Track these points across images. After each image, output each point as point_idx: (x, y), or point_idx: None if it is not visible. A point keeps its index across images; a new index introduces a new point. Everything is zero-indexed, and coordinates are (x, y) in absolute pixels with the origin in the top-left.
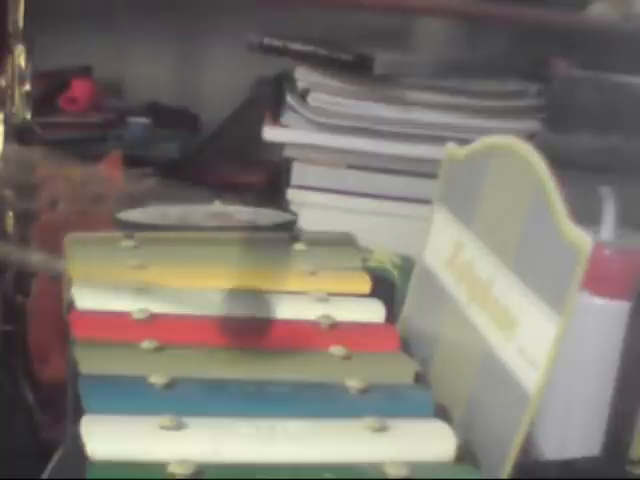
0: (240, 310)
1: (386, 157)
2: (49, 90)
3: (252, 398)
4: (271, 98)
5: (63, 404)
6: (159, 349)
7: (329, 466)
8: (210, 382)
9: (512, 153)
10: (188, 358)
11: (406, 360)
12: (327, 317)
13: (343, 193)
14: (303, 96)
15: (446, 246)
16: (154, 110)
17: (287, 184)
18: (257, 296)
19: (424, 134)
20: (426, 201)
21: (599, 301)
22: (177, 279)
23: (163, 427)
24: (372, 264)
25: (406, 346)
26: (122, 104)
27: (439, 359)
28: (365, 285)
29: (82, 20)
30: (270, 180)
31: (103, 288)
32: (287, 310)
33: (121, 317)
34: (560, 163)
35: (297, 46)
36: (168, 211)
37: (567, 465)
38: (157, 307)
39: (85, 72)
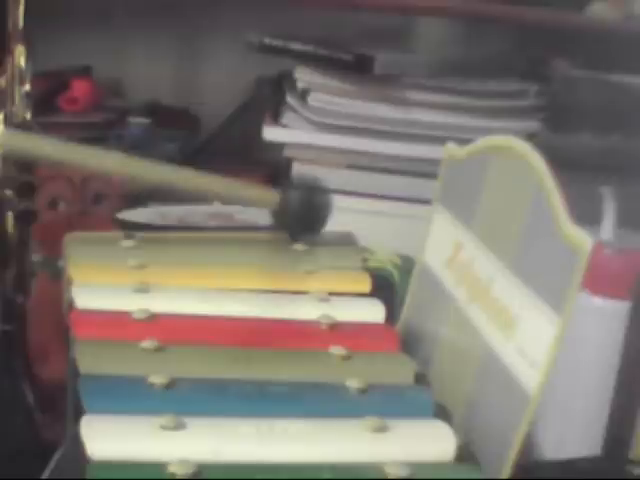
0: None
1: (386, 157)
2: (49, 90)
3: (252, 398)
4: (271, 98)
5: (63, 404)
6: (159, 349)
7: (329, 466)
8: (210, 382)
9: (512, 153)
10: (188, 358)
11: (406, 360)
12: (327, 317)
13: (343, 193)
14: (303, 96)
15: (446, 246)
16: (154, 110)
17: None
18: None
19: (424, 134)
20: (426, 201)
21: (599, 301)
22: (177, 279)
23: (163, 427)
24: (372, 264)
25: (406, 346)
26: (122, 104)
27: (439, 359)
28: (365, 285)
29: (82, 20)
30: (270, 180)
31: (103, 288)
32: (287, 310)
33: (121, 317)
34: (560, 163)
35: (297, 46)
36: (168, 211)
37: (567, 465)
38: (157, 307)
39: (85, 72)
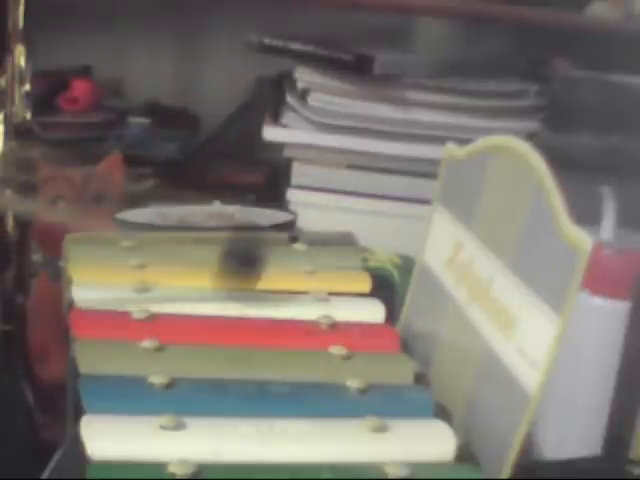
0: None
1: (386, 157)
2: (49, 90)
3: (252, 398)
4: (271, 98)
5: (63, 404)
6: (159, 349)
7: (329, 466)
8: (210, 382)
9: (512, 153)
10: (188, 358)
11: (406, 360)
12: (327, 317)
13: (343, 193)
14: (303, 96)
15: (446, 246)
16: (154, 110)
17: (287, 184)
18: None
19: (424, 134)
20: (426, 201)
21: (599, 301)
22: (177, 279)
23: (163, 427)
24: (372, 264)
25: (406, 346)
26: (122, 104)
27: (439, 359)
28: (365, 285)
29: (82, 20)
30: (270, 180)
31: (103, 288)
32: (287, 310)
33: (121, 317)
34: (560, 163)
35: (297, 46)
36: (168, 211)
37: (567, 465)
38: (157, 307)
39: (85, 72)
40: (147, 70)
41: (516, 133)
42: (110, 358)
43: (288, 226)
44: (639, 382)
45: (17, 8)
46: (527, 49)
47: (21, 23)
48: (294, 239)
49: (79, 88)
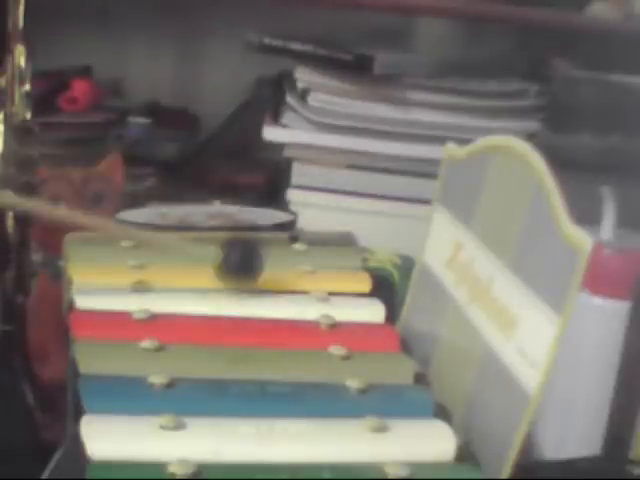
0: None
1: (386, 157)
2: (49, 90)
3: (252, 398)
4: (271, 98)
5: (63, 404)
6: (159, 349)
7: (329, 466)
8: (210, 382)
9: (512, 153)
10: (188, 358)
11: (406, 360)
12: (327, 317)
13: (343, 193)
14: (303, 96)
15: (446, 246)
16: (154, 110)
17: (287, 184)
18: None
19: (424, 134)
20: (426, 201)
21: (599, 301)
22: (177, 279)
23: (163, 427)
24: (372, 264)
25: (406, 346)
26: (122, 104)
27: (439, 359)
28: (365, 285)
29: (82, 20)
30: (270, 180)
31: (103, 288)
32: (287, 310)
33: (121, 317)
34: (560, 163)
35: (297, 46)
36: (168, 211)
37: (567, 465)
38: (157, 307)
39: (85, 72)
40: (147, 70)
41: (516, 133)
42: (110, 358)
43: (288, 226)
44: (639, 382)
45: (17, 8)
46: (527, 49)
47: (21, 23)
48: (294, 239)
49: (79, 88)
